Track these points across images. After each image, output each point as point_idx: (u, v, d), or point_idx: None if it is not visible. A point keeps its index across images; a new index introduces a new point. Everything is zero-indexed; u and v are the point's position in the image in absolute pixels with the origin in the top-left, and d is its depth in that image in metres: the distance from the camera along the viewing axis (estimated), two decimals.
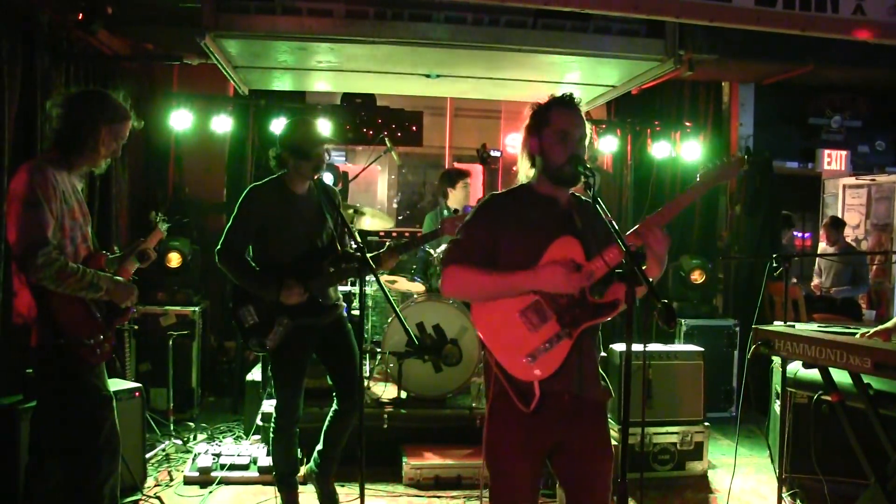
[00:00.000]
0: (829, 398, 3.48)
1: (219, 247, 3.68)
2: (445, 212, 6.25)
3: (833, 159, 7.87)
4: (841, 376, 3.42)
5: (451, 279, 2.50)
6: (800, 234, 10.52)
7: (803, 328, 4.19)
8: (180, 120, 6.23)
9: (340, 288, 4.14)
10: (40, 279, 2.80)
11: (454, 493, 4.52)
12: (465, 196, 6.19)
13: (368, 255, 3.25)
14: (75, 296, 2.91)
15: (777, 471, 4.17)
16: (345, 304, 3.97)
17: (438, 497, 4.48)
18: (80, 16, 4.94)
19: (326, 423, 3.92)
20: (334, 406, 3.90)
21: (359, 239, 3.31)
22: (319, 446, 3.96)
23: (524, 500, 2.53)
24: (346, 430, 3.91)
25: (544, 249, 2.44)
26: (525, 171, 2.63)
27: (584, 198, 2.64)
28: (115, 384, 4.13)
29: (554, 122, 2.53)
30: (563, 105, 2.55)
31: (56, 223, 2.88)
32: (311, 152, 3.63)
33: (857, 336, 3.46)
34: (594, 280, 2.42)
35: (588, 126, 2.58)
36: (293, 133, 3.75)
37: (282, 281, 3.61)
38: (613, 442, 4.98)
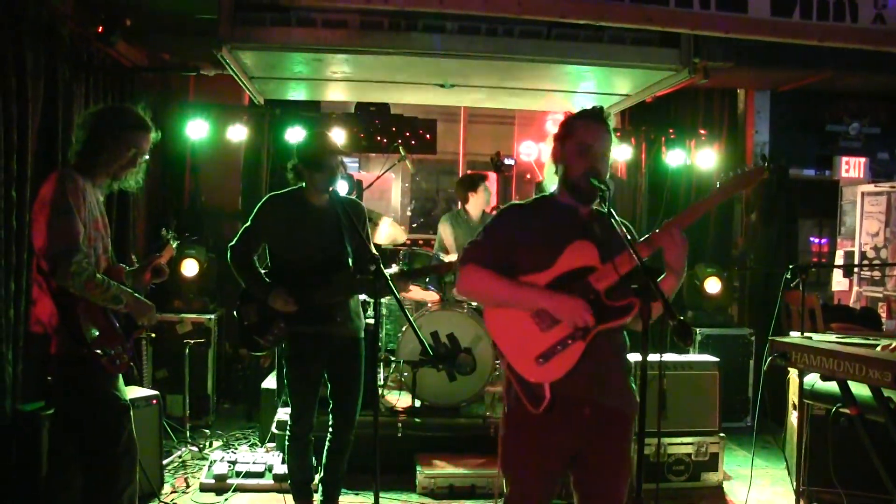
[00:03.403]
0: (847, 411, 3.45)
1: (232, 243, 3.82)
2: (464, 216, 6.25)
3: (851, 166, 7.80)
4: (860, 388, 3.39)
5: (466, 278, 2.54)
6: (817, 240, 10.43)
7: (821, 339, 4.16)
8: (196, 129, 6.29)
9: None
10: (68, 286, 2.84)
11: (468, 503, 4.52)
12: (486, 199, 6.17)
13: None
14: (97, 306, 2.95)
15: (794, 483, 4.14)
16: (363, 323, 3.96)
17: None
18: (100, 28, 5.00)
19: (325, 450, 3.93)
20: (329, 430, 3.92)
21: (375, 252, 3.34)
22: (321, 474, 3.99)
23: None
24: (344, 453, 3.92)
25: (561, 252, 2.47)
26: (550, 178, 2.66)
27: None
28: (133, 391, 4.17)
29: (577, 134, 2.56)
30: (590, 118, 2.58)
31: (84, 231, 2.92)
32: (325, 163, 3.67)
33: (878, 349, 3.42)
34: (609, 284, 2.43)
35: (613, 141, 2.60)
36: (307, 145, 3.86)
37: (273, 286, 3.70)
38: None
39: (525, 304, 2.46)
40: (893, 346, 3.40)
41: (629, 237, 2.40)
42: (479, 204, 6.16)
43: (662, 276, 2.46)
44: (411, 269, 4.07)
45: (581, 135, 2.54)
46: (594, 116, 2.58)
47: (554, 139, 2.65)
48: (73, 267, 2.80)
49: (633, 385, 2.60)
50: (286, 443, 3.94)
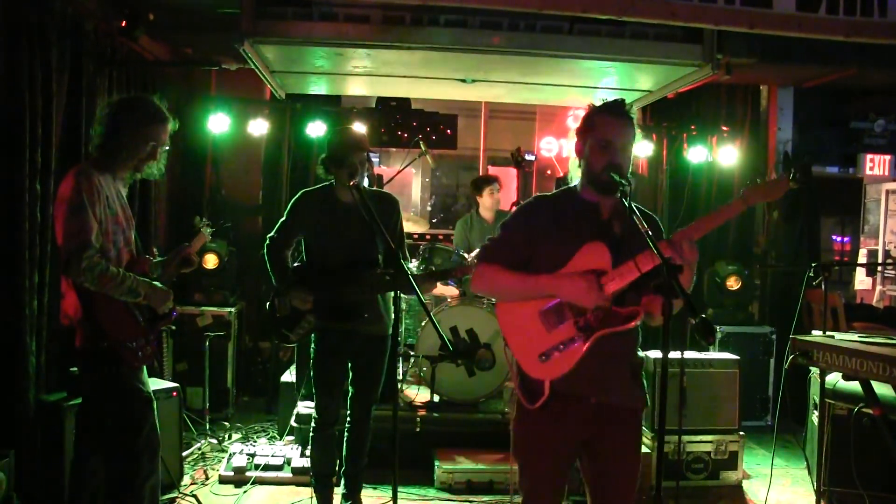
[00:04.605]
0: (870, 411, 3.41)
1: (271, 234, 3.89)
2: (476, 218, 6.28)
3: (876, 164, 7.70)
4: (883, 389, 3.36)
5: (479, 276, 2.61)
6: (839, 239, 10.32)
7: (843, 338, 4.12)
8: (218, 123, 6.32)
9: None
10: (82, 281, 2.87)
11: (486, 498, 4.53)
12: (493, 202, 6.24)
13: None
14: (118, 299, 2.98)
15: (815, 483, 4.11)
16: (392, 321, 3.97)
17: (470, 501, 4.49)
18: (123, 23, 5.04)
19: (345, 443, 3.97)
20: (347, 420, 3.95)
21: (399, 249, 3.35)
22: (343, 467, 4.03)
23: (545, 491, 2.61)
24: (363, 443, 3.95)
25: (574, 253, 2.48)
26: (574, 171, 2.70)
27: (638, 206, 2.65)
28: (154, 383, 4.20)
29: (597, 129, 2.55)
30: (610, 112, 2.56)
31: (99, 227, 2.95)
32: (345, 160, 3.69)
33: None
34: (620, 287, 2.43)
35: (635, 132, 2.59)
36: (330, 141, 3.93)
37: (293, 282, 3.78)
38: (646, 450, 4.95)
39: (535, 294, 2.51)
40: None
41: (650, 233, 2.38)
42: (487, 206, 6.24)
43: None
44: (438, 269, 4.07)
45: (601, 130, 2.53)
46: (614, 110, 2.56)
47: (576, 133, 2.65)
48: (84, 263, 2.83)
49: (644, 380, 2.63)
50: (311, 434, 3.97)
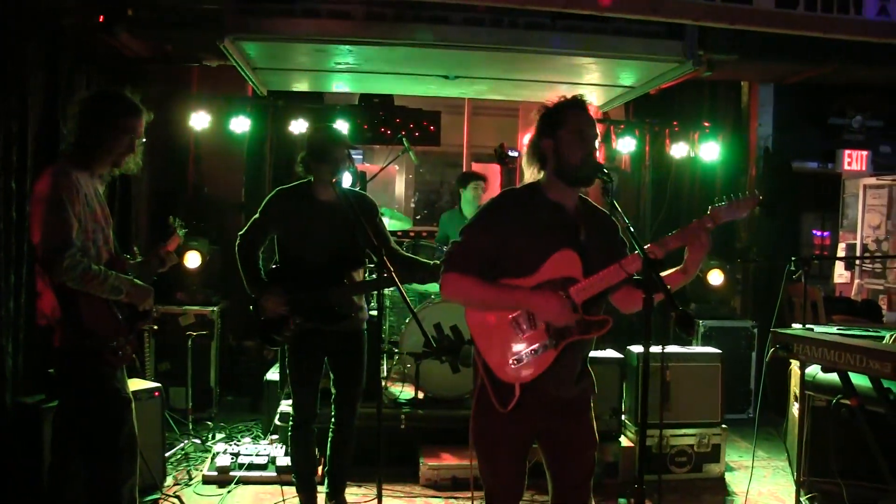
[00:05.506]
0: (848, 402, 3.46)
1: (241, 232, 3.82)
2: (459, 215, 6.28)
3: (853, 160, 7.78)
4: (860, 380, 3.40)
5: (447, 286, 2.56)
6: (819, 234, 10.41)
7: (822, 330, 4.17)
8: (199, 121, 6.27)
9: None
10: (65, 281, 2.84)
11: (471, 494, 4.52)
12: (475, 197, 6.22)
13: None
14: (100, 298, 2.95)
15: (795, 474, 4.15)
16: (367, 315, 3.96)
17: (455, 498, 4.50)
18: (101, 18, 4.99)
19: (329, 442, 3.95)
20: (332, 421, 3.93)
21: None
22: (327, 466, 4.01)
23: (509, 484, 2.67)
24: (348, 444, 3.94)
25: (544, 260, 2.49)
26: (532, 175, 2.64)
27: (595, 205, 2.67)
28: (135, 384, 4.17)
29: (570, 122, 2.54)
30: (578, 106, 2.58)
31: (79, 225, 2.91)
32: (328, 155, 3.66)
33: (889, 340, 3.44)
34: (593, 294, 2.47)
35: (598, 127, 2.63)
36: (312, 137, 3.90)
37: (268, 285, 3.69)
38: (630, 444, 4.98)
39: (509, 307, 2.52)
40: None
41: (632, 229, 2.42)
42: (468, 201, 6.21)
43: (671, 271, 2.53)
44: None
45: (575, 122, 2.54)
46: (583, 105, 2.59)
47: (541, 132, 2.59)
48: (66, 262, 2.79)
49: (589, 369, 2.70)
50: (290, 432, 3.95)
